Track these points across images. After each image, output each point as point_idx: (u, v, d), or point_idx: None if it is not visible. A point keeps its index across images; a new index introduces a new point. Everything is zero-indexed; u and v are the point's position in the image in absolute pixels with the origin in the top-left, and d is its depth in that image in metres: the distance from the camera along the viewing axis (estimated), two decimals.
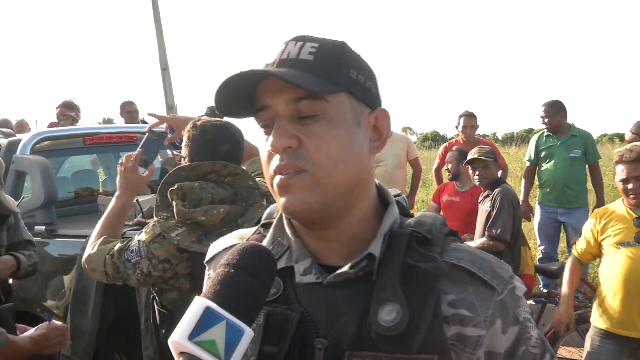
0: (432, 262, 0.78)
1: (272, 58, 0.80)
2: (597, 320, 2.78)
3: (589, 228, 2.88)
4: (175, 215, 1.85)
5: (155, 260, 1.84)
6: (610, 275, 2.72)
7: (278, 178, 0.78)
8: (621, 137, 15.83)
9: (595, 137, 6.08)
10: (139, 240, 1.89)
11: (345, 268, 0.80)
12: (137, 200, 3.41)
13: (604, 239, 2.79)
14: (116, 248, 1.90)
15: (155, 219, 1.91)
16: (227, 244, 0.97)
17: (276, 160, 0.78)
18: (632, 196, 2.69)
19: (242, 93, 0.79)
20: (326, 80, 0.76)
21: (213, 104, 1.28)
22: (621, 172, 2.71)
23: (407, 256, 0.79)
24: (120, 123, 6.36)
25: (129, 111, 6.09)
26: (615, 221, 2.75)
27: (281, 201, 0.79)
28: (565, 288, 2.97)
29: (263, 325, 0.82)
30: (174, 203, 1.85)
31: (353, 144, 0.78)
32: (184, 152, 2.03)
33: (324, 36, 0.82)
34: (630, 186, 2.68)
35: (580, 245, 2.95)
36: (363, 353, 0.76)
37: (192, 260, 1.85)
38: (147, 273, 1.85)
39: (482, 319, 0.79)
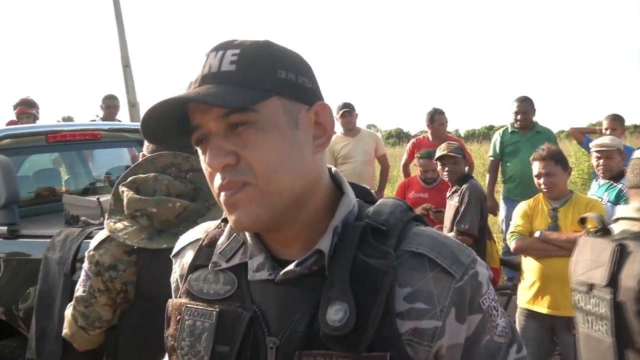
0: (384, 257, 0.76)
1: (195, 74, 0.77)
2: (520, 301, 3.18)
3: (524, 213, 3.19)
4: (125, 207, 1.67)
5: (102, 268, 1.64)
6: (529, 259, 3.11)
7: (223, 195, 0.77)
8: None
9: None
10: (82, 267, 1.71)
11: (291, 266, 0.79)
12: (99, 200, 3.35)
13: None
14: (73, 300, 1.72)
15: (106, 221, 1.72)
16: (193, 237, 0.96)
17: (218, 178, 0.76)
18: (543, 189, 3.11)
19: (174, 117, 0.77)
20: (252, 88, 0.74)
21: None
22: (534, 168, 3.14)
23: (359, 250, 0.77)
24: (79, 121, 6.22)
25: (107, 105, 5.90)
26: (536, 212, 3.16)
27: (231, 218, 0.78)
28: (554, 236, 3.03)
29: (215, 324, 0.81)
30: (124, 195, 1.66)
31: (291, 146, 0.76)
32: (144, 148, 1.88)
33: (274, 35, 0.80)
34: (541, 180, 3.10)
35: (518, 223, 3.18)
36: (313, 352, 0.75)
37: (139, 262, 1.65)
38: (104, 289, 1.65)
39: (439, 310, 0.76)
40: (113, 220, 1.69)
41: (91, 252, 1.68)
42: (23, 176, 4.17)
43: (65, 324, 1.76)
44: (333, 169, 0.88)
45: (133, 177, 1.71)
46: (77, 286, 1.71)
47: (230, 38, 0.79)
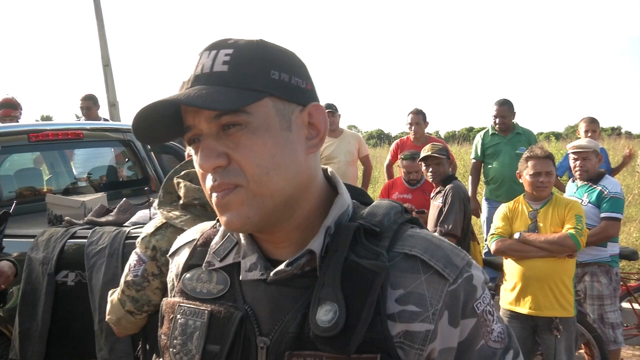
0: (376, 258, 0.76)
1: (188, 74, 0.77)
2: (503, 302, 3.18)
3: (504, 215, 3.20)
4: (183, 196, 1.74)
5: (159, 253, 1.70)
6: (511, 261, 3.13)
7: (214, 196, 0.76)
8: (557, 136, 16.54)
9: None
10: (134, 252, 1.76)
11: (282, 266, 0.79)
12: (83, 202, 3.32)
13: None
14: (120, 285, 1.77)
15: (158, 210, 1.80)
16: (190, 237, 0.96)
17: (209, 179, 0.76)
18: (539, 187, 3.08)
19: (166, 117, 0.77)
20: (244, 89, 0.73)
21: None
22: (532, 166, 3.10)
23: (352, 251, 0.77)
24: (58, 120, 6.13)
25: (85, 106, 5.82)
26: (516, 213, 3.18)
27: (223, 219, 0.77)
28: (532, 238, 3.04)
29: (207, 323, 0.81)
30: (181, 185, 1.74)
31: (283, 148, 0.75)
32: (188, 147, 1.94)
33: (267, 35, 0.79)
34: (541, 179, 3.07)
35: (498, 226, 3.20)
36: (303, 352, 0.75)
37: None
38: (158, 273, 1.70)
39: (431, 313, 0.75)
40: (165, 209, 1.77)
41: (147, 238, 1.73)
42: (4, 175, 4.12)
43: (109, 310, 1.79)
44: (329, 169, 0.88)
45: (186, 171, 1.79)
46: (126, 271, 1.76)
47: (223, 37, 0.79)
